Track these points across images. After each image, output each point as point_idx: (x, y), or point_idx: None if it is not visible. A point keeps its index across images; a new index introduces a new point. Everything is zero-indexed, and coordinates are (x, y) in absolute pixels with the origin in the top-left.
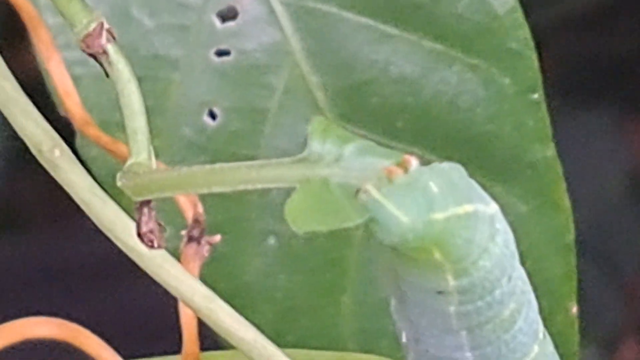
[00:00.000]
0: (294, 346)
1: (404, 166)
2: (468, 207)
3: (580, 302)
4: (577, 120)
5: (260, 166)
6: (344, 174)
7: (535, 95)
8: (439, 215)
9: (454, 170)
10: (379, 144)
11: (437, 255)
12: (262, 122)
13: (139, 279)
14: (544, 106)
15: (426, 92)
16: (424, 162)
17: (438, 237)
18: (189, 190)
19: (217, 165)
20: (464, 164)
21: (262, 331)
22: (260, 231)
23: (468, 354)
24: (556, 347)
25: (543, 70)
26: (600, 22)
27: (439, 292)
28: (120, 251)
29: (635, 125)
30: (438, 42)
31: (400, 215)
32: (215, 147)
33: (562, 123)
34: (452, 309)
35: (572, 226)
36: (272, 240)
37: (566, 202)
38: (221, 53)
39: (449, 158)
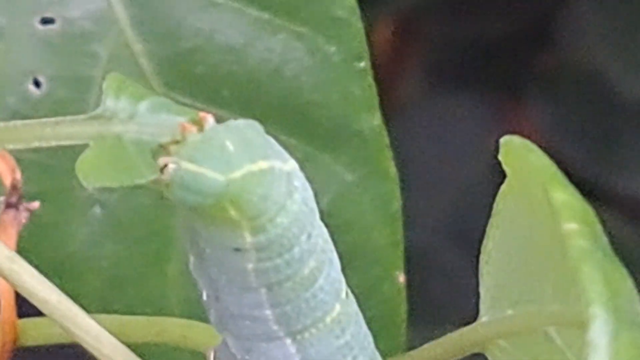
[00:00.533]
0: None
1: (200, 123)
2: (263, 164)
3: (446, 283)
4: (445, 102)
5: (55, 123)
6: (138, 130)
7: (362, 64)
8: (236, 174)
9: (250, 128)
10: (206, 112)
11: (233, 212)
12: (87, 90)
13: None
14: (370, 75)
15: (251, 60)
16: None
17: (233, 195)
18: None
19: (11, 123)
20: (290, 133)
21: (88, 299)
22: (85, 200)
23: (268, 312)
24: (384, 314)
25: (412, 53)
26: (468, 5)
27: (237, 249)
28: None
29: (501, 107)
30: (263, 10)
31: (208, 175)
32: (40, 115)
33: (430, 104)
34: (250, 266)
35: (398, 195)
36: (97, 210)
37: (392, 171)
38: (46, 21)
39: (276, 127)
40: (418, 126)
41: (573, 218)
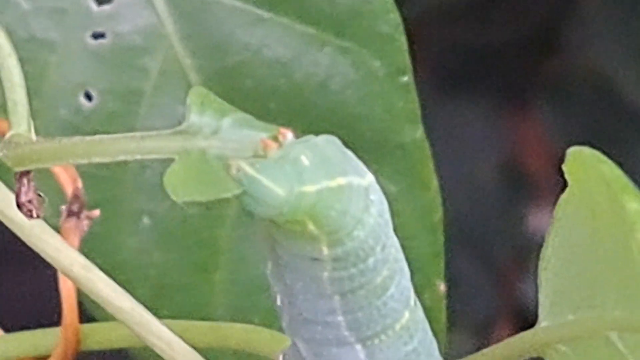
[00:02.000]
0: None
1: (278, 139)
2: (341, 180)
3: (453, 288)
4: (453, 108)
5: (140, 137)
6: (221, 145)
7: (405, 78)
8: (310, 188)
9: (329, 144)
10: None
11: (311, 226)
12: (138, 103)
13: (25, 257)
14: (413, 88)
15: (298, 74)
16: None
17: (311, 210)
18: (69, 160)
19: (97, 137)
20: None
21: None
22: (135, 211)
23: (340, 318)
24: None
25: (419, 59)
26: (475, 11)
27: (314, 259)
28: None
29: (509, 114)
30: (310, 25)
31: (271, 188)
32: (91, 128)
33: (439, 110)
34: (325, 275)
35: (439, 206)
36: (146, 220)
37: (434, 183)
38: (97, 36)
39: None
40: (426, 131)
41: None
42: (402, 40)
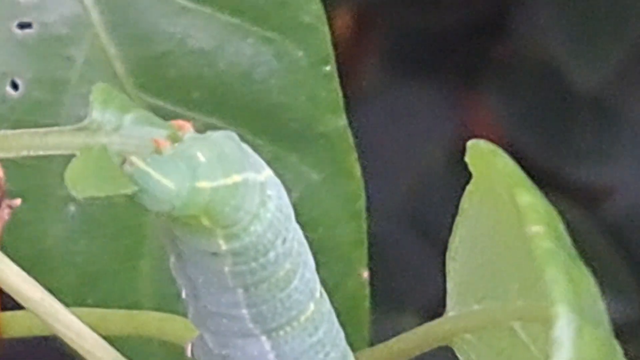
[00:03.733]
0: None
1: (177, 139)
2: (236, 177)
3: (403, 270)
4: (404, 91)
5: (44, 133)
6: (122, 142)
7: (328, 67)
8: (205, 184)
9: (227, 140)
10: (176, 114)
11: (206, 221)
12: (63, 92)
13: None
14: (336, 78)
15: (222, 63)
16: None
17: (205, 206)
18: None
19: (1, 132)
20: (258, 134)
21: (63, 294)
22: (60, 198)
23: (244, 311)
24: (348, 310)
25: (371, 43)
26: None
27: (213, 253)
28: None
29: (459, 97)
30: (233, 15)
31: (162, 182)
32: (17, 116)
33: (390, 93)
34: (226, 269)
35: (362, 194)
36: (72, 207)
37: (357, 171)
38: (23, 25)
39: (244, 128)
40: (377, 114)
41: (538, 221)
42: (325, 31)
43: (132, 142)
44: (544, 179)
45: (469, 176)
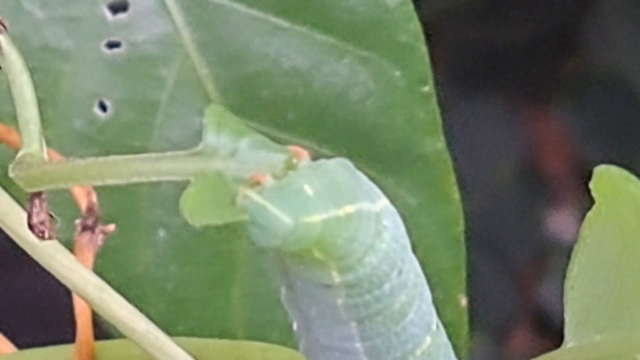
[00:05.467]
0: (185, 336)
1: (291, 164)
2: (349, 208)
3: (472, 291)
4: (472, 108)
5: (156, 159)
6: (238, 167)
7: (426, 88)
8: (315, 219)
9: (340, 168)
10: (270, 136)
11: (318, 254)
12: (153, 113)
13: (35, 269)
14: (434, 99)
15: (317, 84)
16: (316, 155)
17: (317, 239)
18: (82, 182)
19: (111, 158)
20: (354, 157)
21: (153, 321)
22: (150, 223)
23: (358, 345)
24: (448, 337)
25: (437, 59)
26: (494, 11)
27: (326, 285)
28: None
29: (527, 113)
30: (329, 34)
31: (281, 218)
32: (106, 138)
33: (456, 111)
34: (339, 301)
35: (461, 218)
36: (162, 232)
37: (455, 195)
38: (112, 45)
39: (340, 150)
40: (445, 132)
41: None
42: (423, 50)
43: (249, 167)
44: None
45: (539, 195)
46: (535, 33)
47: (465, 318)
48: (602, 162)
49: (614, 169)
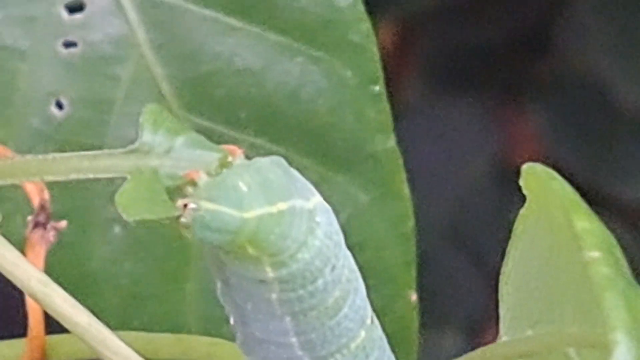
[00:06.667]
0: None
1: (225, 162)
2: (282, 205)
3: (445, 287)
4: (447, 107)
5: (93, 156)
6: (173, 164)
7: (377, 87)
8: (248, 214)
9: (273, 166)
10: (223, 134)
11: (252, 250)
12: (109, 112)
13: None
14: (384, 98)
15: (269, 83)
16: (268, 154)
17: (250, 235)
18: (22, 178)
19: (51, 155)
20: (306, 155)
21: (108, 317)
22: (105, 220)
23: (293, 339)
24: (396, 332)
25: (414, 59)
26: (469, 11)
27: (260, 281)
28: None
29: (501, 111)
30: (281, 34)
31: (225, 215)
32: (62, 136)
33: (432, 109)
34: (274, 296)
35: (411, 215)
36: (117, 229)
37: (406, 192)
38: (68, 44)
39: (292, 148)
40: (420, 130)
41: (595, 246)
42: (374, 50)
43: (184, 165)
44: (587, 195)
45: (512, 193)
46: (510, 33)
47: (416, 313)
48: (574, 162)
49: (539, 167)
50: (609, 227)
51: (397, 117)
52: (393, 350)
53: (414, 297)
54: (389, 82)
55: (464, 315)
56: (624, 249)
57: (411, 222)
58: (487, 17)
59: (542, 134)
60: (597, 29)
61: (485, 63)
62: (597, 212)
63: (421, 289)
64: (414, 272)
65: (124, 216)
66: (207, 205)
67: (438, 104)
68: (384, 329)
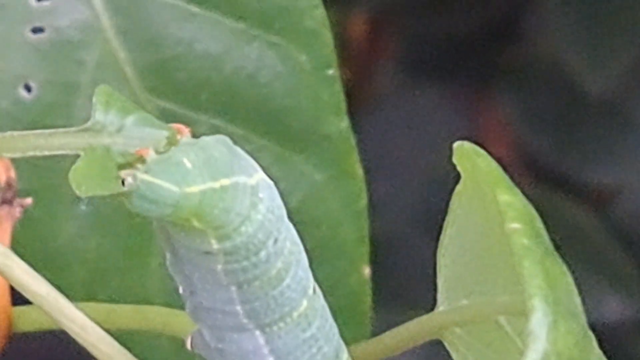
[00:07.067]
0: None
1: (174, 140)
2: (225, 181)
3: (418, 270)
4: (418, 95)
5: (49, 134)
6: (124, 142)
7: (331, 71)
8: (193, 189)
9: (218, 144)
10: (185, 116)
11: (197, 223)
12: (75, 94)
13: None
14: (338, 81)
15: (228, 67)
16: (226, 134)
17: (195, 209)
18: None
19: (8, 133)
20: (264, 135)
21: (74, 290)
22: (72, 197)
23: (238, 307)
24: (350, 305)
25: (387, 48)
26: (439, 2)
27: (206, 252)
28: None
29: (472, 101)
30: (239, 21)
31: (162, 189)
32: (30, 118)
33: (404, 97)
34: (219, 267)
35: (364, 193)
36: (82, 206)
37: (359, 171)
38: (36, 30)
39: (250, 129)
40: (390, 118)
41: (516, 218)
42: (328, 35)
43: (134, 143)
44: (555, 180)
45: None
46: (479, 23)
47: (368, 287)
48: (542, 147)
49: (466, 145)
50: (576, 210)
51: (366, 105)
52: (346, 323)
53: (367, 271)
54: (360, 72)
55: (423, 296)
56: (588, 231)
57: (364, 200)
58: (457, 7)
59: (512, 121)
60: (564, 18)
61: (455, 52)
62: (566, 196)
63: (380, 270)
64: (366, 248)
65: (77, 192)
66: (143, 177)
67: (409, 92)
68: (337, 303)
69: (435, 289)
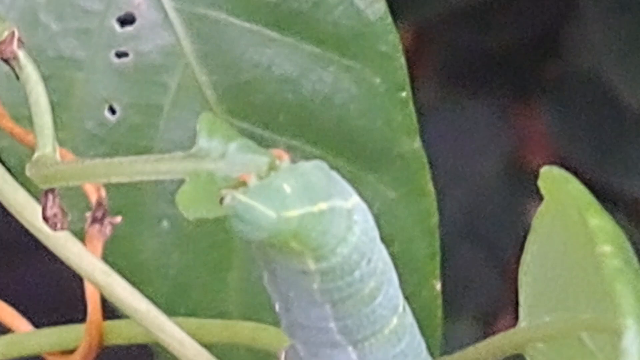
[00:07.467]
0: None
1: (274, 165)
2: (322, 205)
3: (460, 279)
4: (460, 107)
5: (155, 160)
6: (227, 168)
7: (403, 94)
8: (292, 213)
9: (316, 170)
10: (262, 136)
11: (295, 245)
12: (157, 116)
13: (49, 257)
14: (411, 103)
15: (305, 90)
16: (303, 155)
17: (294, 232)
18: (90, 180)
19: (116, 159)
20: (339, 156)
21: (158, 304)
22: (155, 215)
23: (332, 324)
24: (422, 319)
25: (428, 62)
26: (481, 16)
27: (303, 272)
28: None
29: (513, 114)
30: (316, 45)
31: (264, 212)
32: (114, 139)
33: (446, 110)
34: (315, 286)
35: (436, 211)
36: (165, 223)
37: (430, 189)
38: (120, 54)
39: (326, 150)
40: (435, 130)
41: (607, 241)
42: (401, 59)
43: (237, 168)
44: (595, 192)
45: (524, 190)
46: (520, 38)
47: (440, 301)
48: (583, 160)
49: (555, 170)
50: (617, 222)
51: None
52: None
53: (438, 286)
54: None
55: (477, 305)
56: (632, 243)
57: (435, 218)
58: (499, 22)
59: (553, 133)
60: (604, 32)
61: (497, 65)
62: (605, 207)
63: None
64: (437, 263)
65: (185, 215)
66: (241, 197)
67: (452, 105)
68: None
69: (484, 295)
